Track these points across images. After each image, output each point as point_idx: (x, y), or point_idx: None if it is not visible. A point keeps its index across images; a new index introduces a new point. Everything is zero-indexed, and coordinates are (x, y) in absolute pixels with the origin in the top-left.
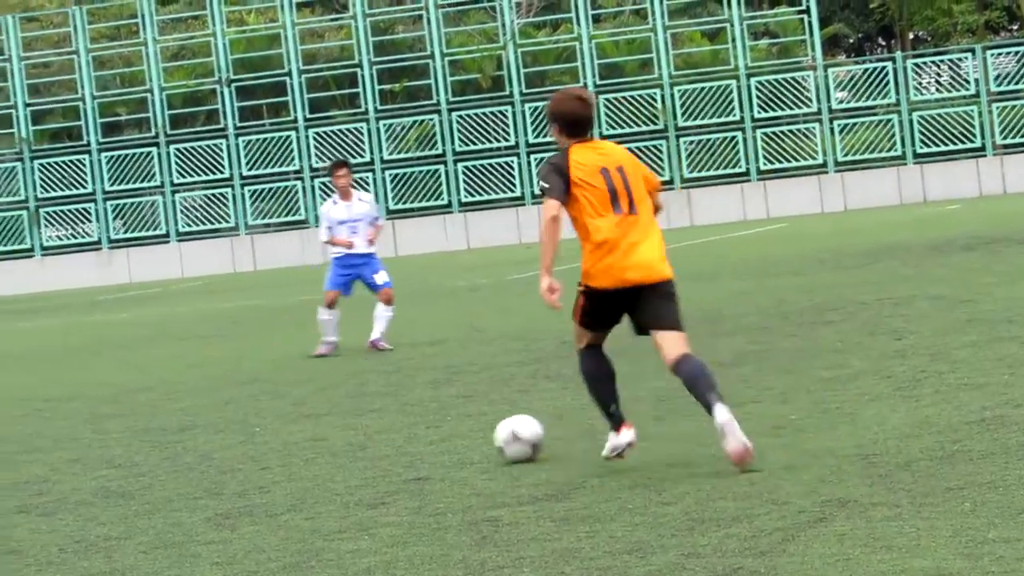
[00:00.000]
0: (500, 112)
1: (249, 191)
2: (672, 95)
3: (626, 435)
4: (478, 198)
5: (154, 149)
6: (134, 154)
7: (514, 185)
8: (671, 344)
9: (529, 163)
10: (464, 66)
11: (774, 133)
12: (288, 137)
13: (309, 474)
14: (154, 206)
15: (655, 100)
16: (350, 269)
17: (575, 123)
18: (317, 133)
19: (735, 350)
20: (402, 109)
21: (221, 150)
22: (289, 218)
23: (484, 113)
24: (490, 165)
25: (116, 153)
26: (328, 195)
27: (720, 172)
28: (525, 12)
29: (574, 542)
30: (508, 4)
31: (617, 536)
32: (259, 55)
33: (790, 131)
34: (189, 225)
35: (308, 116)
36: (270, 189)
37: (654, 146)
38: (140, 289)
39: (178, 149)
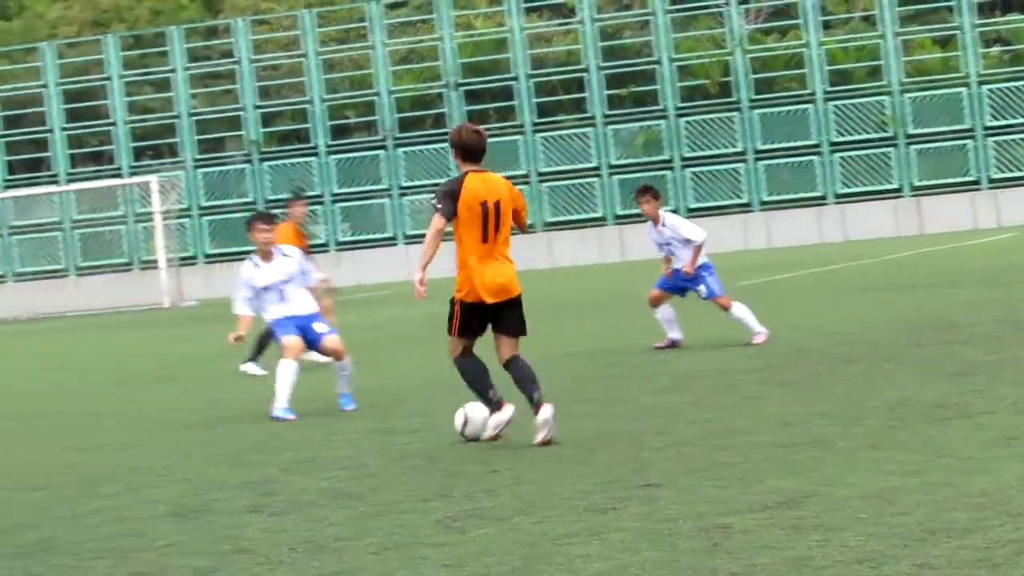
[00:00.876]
0: (727, 118)
1: None
2: (902, 102)
3: (507, 411)
4: (705, 204)
5: (382, 152)
6: (362, 157)
7: (741, 192)
8: (508, 346)
9: (756, 169)
10: (692, 71)
11: (1005, 141)
12: (515, 141)
13: (537, 478)
14: (381, 209)
15: (884, 107)
16: (677, 281)
17: (470, 152)
18: (544, 137)
19: (968, 359)
20: (629, 114)
21: (448, 153)
22: None
23: (712, 119)
24: (718, 171)
25: (344, 156)
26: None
27: (950, 180)
28: (753, 18)
29: (805, 551)
30: (736, 9)
31: (849, 545)
32: (487, 59)
33: (1022, 139)
34: (416, 227)
35: (535, 121)
36: None
37: (883, 153)
38: (368, 291)
39: (405, 152)
